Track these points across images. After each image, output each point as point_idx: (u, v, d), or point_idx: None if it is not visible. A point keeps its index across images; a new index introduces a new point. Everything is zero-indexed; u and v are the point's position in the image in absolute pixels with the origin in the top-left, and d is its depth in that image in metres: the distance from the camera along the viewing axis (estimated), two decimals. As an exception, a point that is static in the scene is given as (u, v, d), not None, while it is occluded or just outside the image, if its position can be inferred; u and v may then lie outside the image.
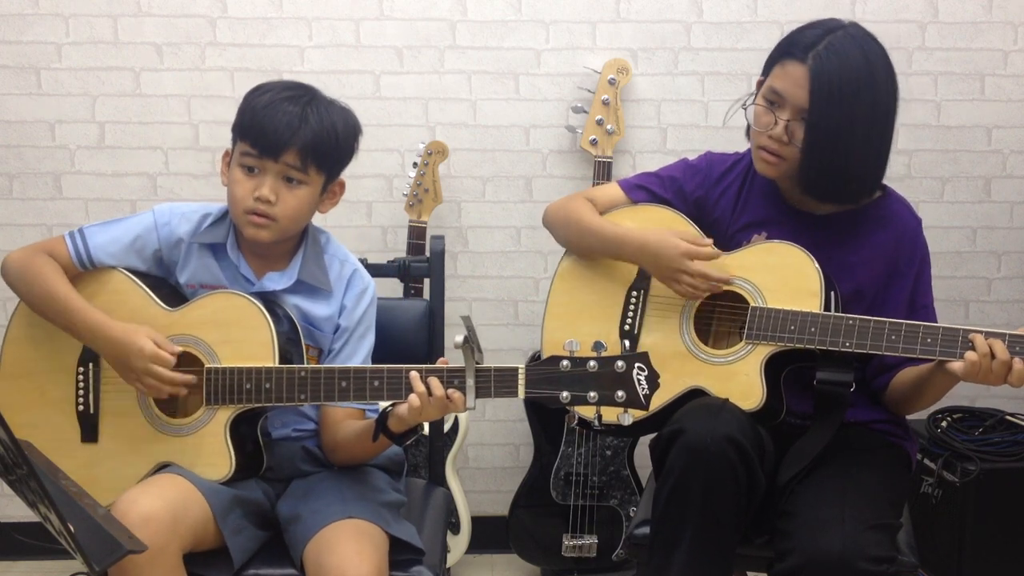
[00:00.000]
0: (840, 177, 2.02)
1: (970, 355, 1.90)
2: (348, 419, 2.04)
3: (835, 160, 2.00)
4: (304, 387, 1.92)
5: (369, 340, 2.11)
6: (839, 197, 2.08)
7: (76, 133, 3.04)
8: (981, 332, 1.91)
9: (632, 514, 2.87)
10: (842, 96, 1.97)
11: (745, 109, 2.11)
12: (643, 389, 1.76)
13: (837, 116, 1.97)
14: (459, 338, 1.76)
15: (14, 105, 3.02)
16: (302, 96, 2.00)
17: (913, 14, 3.07)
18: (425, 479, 2.41)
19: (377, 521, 1.91)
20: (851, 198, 2.09)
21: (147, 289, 2.03)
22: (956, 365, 1.92)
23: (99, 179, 3.07)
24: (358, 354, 2.08)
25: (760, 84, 2.10)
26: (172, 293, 2.06)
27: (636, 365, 1.76)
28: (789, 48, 2.03)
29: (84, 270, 2.04)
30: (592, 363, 1.77)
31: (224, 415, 1.94)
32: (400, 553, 1.95)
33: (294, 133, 1.95)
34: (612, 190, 2.27)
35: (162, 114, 3.04)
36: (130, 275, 2.04)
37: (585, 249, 2.22)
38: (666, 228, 2.13)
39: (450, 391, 1.83)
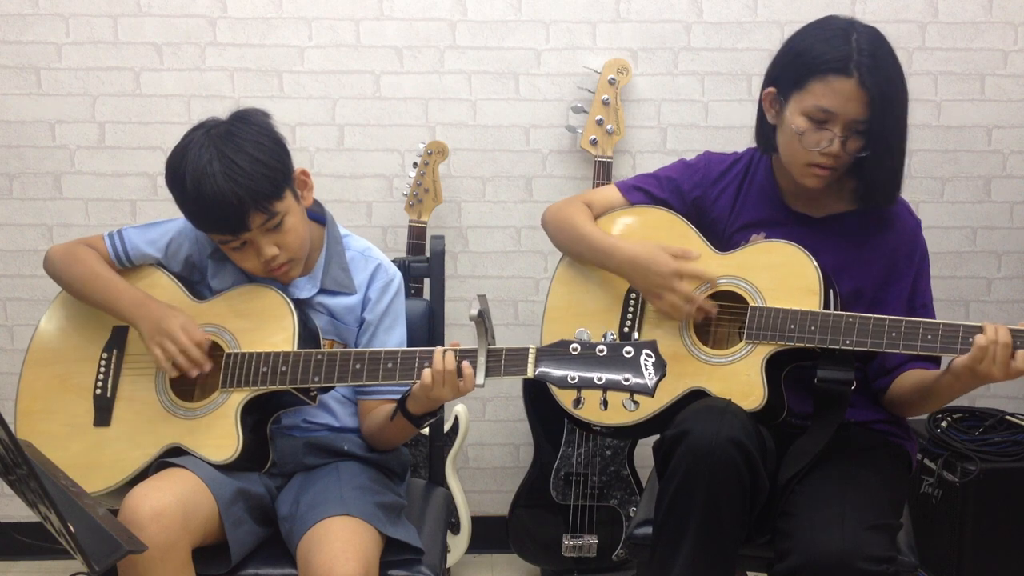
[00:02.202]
0: (895, 181, 2.05)
1: (979, 338, 1.89)
2: (381, 406, 2.07)
3: (894, 165, 2.03)
4: (319, 369, 1.94)
5: (398, 332, 2.13)
6: (890, 199, 2.09)
7: (76, 133, 3.05)
8: (981, 327, 1.91)
9: (632, 514, 2.87)
10: (893, 98, 1.98)
11: (801, 137, 2.02)
12: (650, 375, 1.76)
13: (892, 119, 1.99)
14: (474, 311, 1.78)
15: (14, 105, 3.02)
16: (211, 157, 1.93)
17: (913, 14, 3.07)
18: (425, 479, 2.42)
19: (372, 520, 1.92)
20: (894, 198, 2.10)
21: (179, 283, 2.09)
22: (963, 356, 1.91)
23: (99, 179, 3.07)
24: (387, 347, 2.09)
25: (770, 96, 2.08)
26: (202, 293, 2.11)
27: (644, 352, 1.77)
28: (820, 65, 1.99)
29: (122, 268, 2.12)
30: (601, 347, 1.78)
31: (238, 398, 1.97)
32: (399, 553, 1.95)
33: (239, 204, 1.92)
34: (610, 192, 2.27)
35: (162, 114, 3.04)
36: (166, 272, 2.11)
37: (577, 256, 2.23)
38: (657, 243, 2.12)
39: (463, 364, 1.85)
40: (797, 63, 2.03)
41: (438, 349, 1.88)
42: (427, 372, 1.87)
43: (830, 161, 2.03)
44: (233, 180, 1.91)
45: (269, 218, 1.96)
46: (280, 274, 2.03)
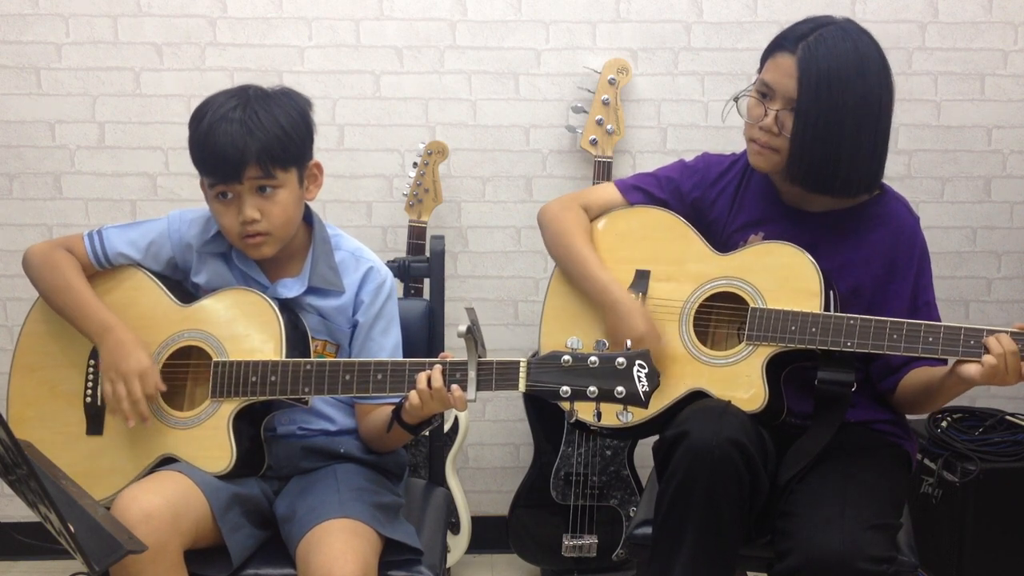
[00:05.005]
0: (829, 167, 2.02)
1: (988, 359, 1.89)
2: (378, 409, 2.06)
3: (825, 150, 2.00)
4: (309, 380, 1.93)
5: (394, 335, 2.12)
6: (829, 188, 2.06)
7: (76, 133, 3.04)
8: (983, 329, 1.91)
9: (632, 514, 2.87)
10: (831, 84, 1.98)
11: (736, 102, 2.11)
12: (643, 386, 1.76)
13: (826, 104, 1.98)
14: (462, 328, 1.77)
15: (14, 105, 3.02)
16: (237, 105, 1.96)
17: (913, 14, 3.07)
18: (425, 479, 2.42)
19: (370, 522, 1.91)
20: (843, 190, 2.07)
21: (163, 286, 2.07)
22: (973, 369, 1.91)
23: (99, 179, 3.07)
24: (384, 350, 2.09)
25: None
26: (187, 294, 2.09)
27: (637, 362, 1.77)
28: (780, 41, 2.05)
29: (101, 269, 2.09)
30: (593, 359, 1.77)
31: (228, 408, 1.96)
32: (399, 553, 1.95)
33: (243, 150, 1.93)
34: (608, 191, 2.27)
35: (162, 114, 3.04)
36: (148, 273, 2.09)
37: (569, 275, 2.22)
38: (641, 306, 2.11)
39: (452, 387, 1.84)
40: (768, 46, 2.09)
41: (422, 375, 1.87)
42: (414, 394, 1.87)
43: (765, 137, 2.04)
44: (247, 129, 1.94)
45: (264, 177, 1.96)
46: (252, 244, 2.00)
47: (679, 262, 2.15)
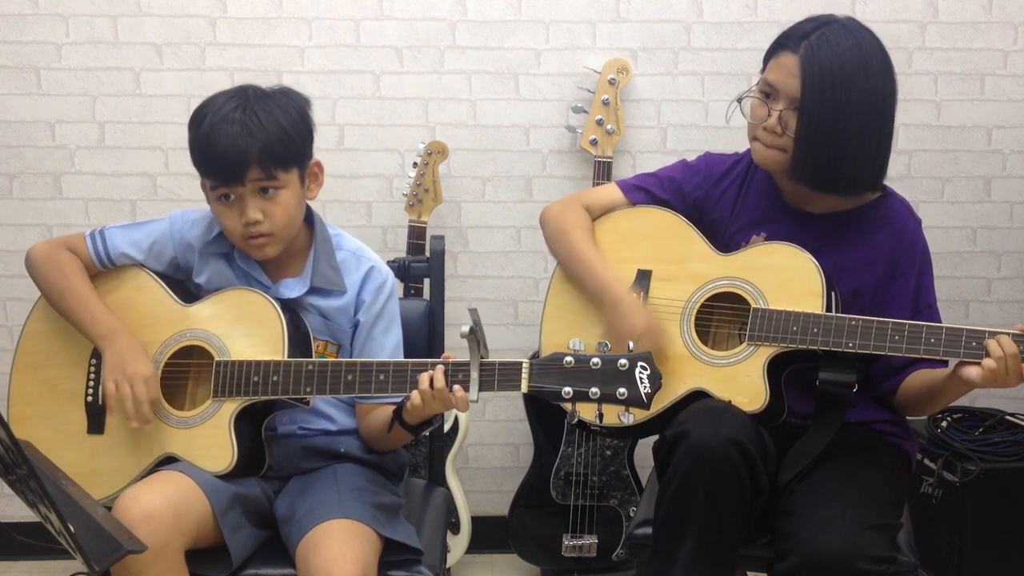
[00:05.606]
0: (834, 166, 2.02)
1: (987, 362, 1.89)
2: (377, 408, 2.06)
3: (829, 148, 2.00)
4: (311, 380, 1.93)
5: (395, 334, 2.12)
6: (834, 187, 2.06)
7: (76, 133, 3.04)
8: (984, 331, 1.91)
9: (632, 514, 2.87)
10: (834, 82, 1.98)
11: (740, 104, 2.11)
12: (645, 388, 1.76)
13: (829, 102, 1.98)
14: (465, 328, 1.78)
15: (14, 105, 3.02)
16: (237, 106, 1.96)
17: (913, 14, 3.07)
18: (425, 479, 2.42)
19: (370, 522, 1.91)
20: (847, 189, 2.07)
21: (165, 286, 2.07)
22: (973, 372, 1.91)
23: (99, 179, 3.07)
24: (385, 350, 2.09)
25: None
26: (189, 294, 2.10)
27: (639, 364, 1.77)
28: (783, 40, 2.05)
29: (103, 269, 2.09)
30: (595, 360, 1.77)
31: (230, 407, 1.96)
32: (399, 554, 1.95)
33: (244, 152, 1.93)
34: (611, 191, 2.27)
35: (162, 114, 3.04)
36: (150, 273, 2.09)
37: (570, 273, 2.22)
38: (642, 308, 2.10)
39: (455, 387, 1.84)
40: (771, 45, 2.09)
41: (424, 375, 1.87)
42: (415, 394, 1.87)
43: (769, 137, 2.04)
44: (248, 131, 1.94)
45: (266, 179, 1.96)
46: (255, 245, 2.01)
47: (681, 262, 2.14)
